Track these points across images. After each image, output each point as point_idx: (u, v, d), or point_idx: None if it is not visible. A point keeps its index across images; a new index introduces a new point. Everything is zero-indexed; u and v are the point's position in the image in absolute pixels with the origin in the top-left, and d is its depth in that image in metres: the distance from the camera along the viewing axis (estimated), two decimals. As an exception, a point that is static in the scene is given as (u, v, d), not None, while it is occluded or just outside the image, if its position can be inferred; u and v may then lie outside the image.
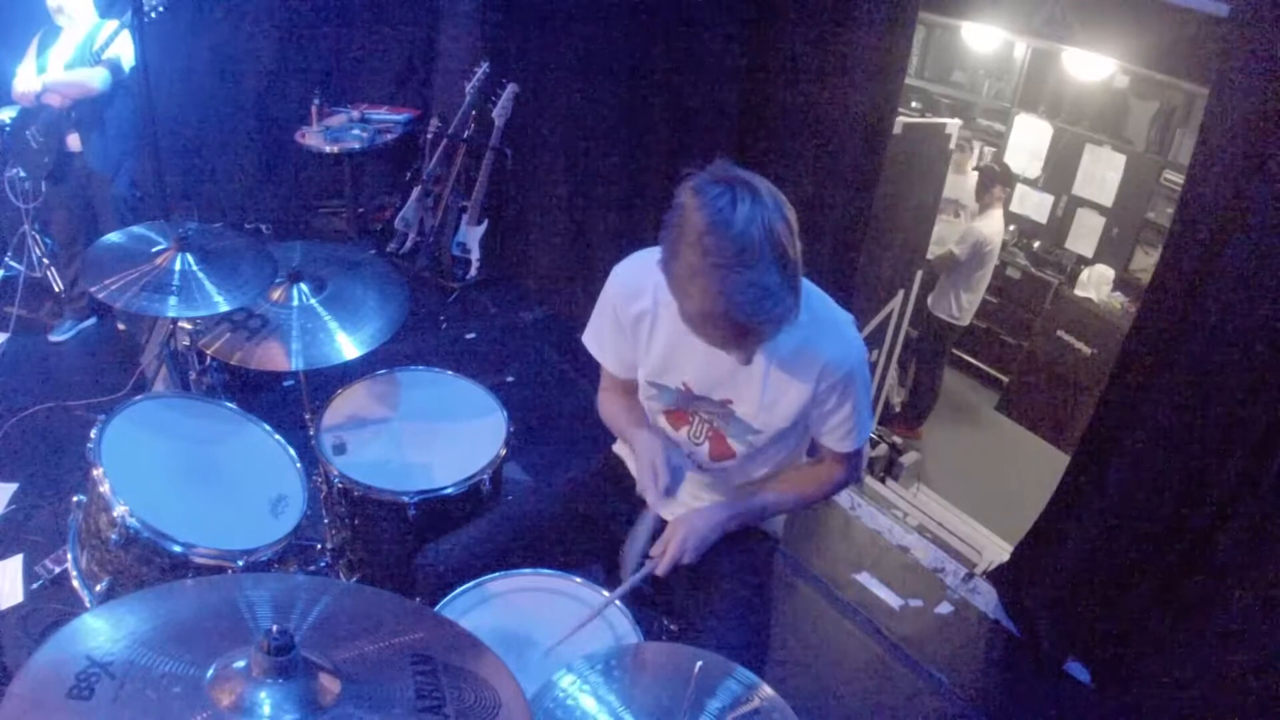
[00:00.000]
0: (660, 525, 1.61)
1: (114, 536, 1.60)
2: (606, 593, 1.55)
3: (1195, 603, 2.34)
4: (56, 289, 3.74)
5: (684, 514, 1.60)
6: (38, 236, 3.66)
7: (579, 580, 1.58)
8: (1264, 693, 2.20)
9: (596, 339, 1.66)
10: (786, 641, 2.66)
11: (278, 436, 1.97)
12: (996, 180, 4.48)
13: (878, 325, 4.01)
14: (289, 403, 2.93)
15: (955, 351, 5.39)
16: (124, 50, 3.17)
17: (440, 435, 2.11)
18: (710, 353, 1.49)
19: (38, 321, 3.69)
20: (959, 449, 4.89)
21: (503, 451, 2.05)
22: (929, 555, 3.13)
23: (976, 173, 4.69)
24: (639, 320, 1.55)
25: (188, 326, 2.41)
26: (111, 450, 1.68)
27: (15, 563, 2.44)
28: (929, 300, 4.69)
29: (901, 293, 4.07)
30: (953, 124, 4.03)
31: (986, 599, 2.92)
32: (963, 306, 4.64)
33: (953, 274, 4.55)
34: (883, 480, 4.01)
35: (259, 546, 1.69)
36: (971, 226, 4.55)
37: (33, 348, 3.57)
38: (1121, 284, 5.04)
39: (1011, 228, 5.56)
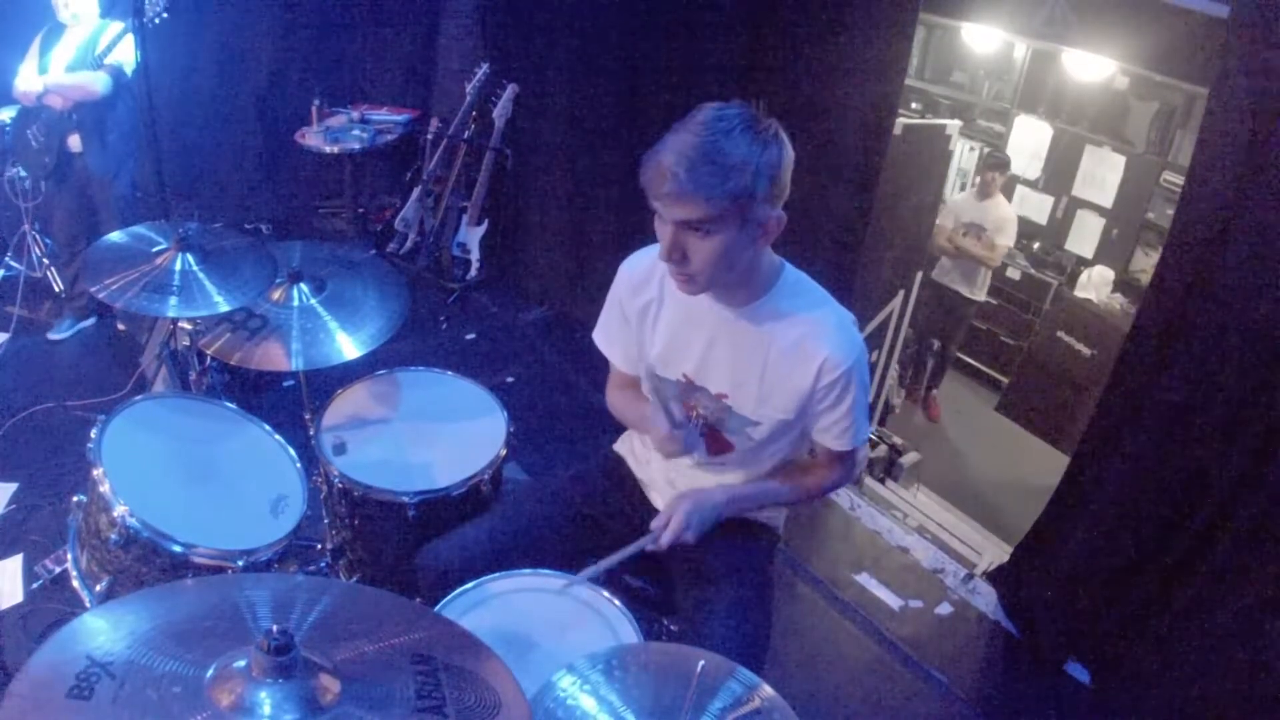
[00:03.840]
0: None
1: (114, 536, 1.60)
2: (606, 592, 1.55)
3: (1195, 602, 2.34)
4: (56, 289, 3.74)
5: (686, 490, 1.61)
6: (38, 236, 3.66)
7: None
8: (1264, 693, 2.20)
9: (605, 335, 1.68)
10: (786, 641, 2.66)
11: (278, 436, 1.97)
12: (992, 167, 4.63)
13: (878, 325, 4.01)
14: (289, 403, 2.93)
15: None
16: (126, 55, 3.17)
17: (440, 435, 2.11)
18: (710, 344, 1.52)
19: (38, 321, 3.69)
20: (959, 449, 4.89)
21: (503, 451, 2.05)
22: (929, 556, 3.13)
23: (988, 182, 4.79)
24: (645, 310, 1.57)
25: (188, 326, 2.41)
26: (111, 450, 1.68)
27: (15, 563, 2.44)
28: (947, 281, 4.81)
29: (902, 293, 4.07)
30: (953, 124, 4.04)
31: (986, 599, 2.92)
32: (984, 281, 4.84)
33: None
34: (883, 481, 4.01)
35: (259, 546, 1.69)
36: (1002, 215, 4.66)
37: (33, 348, 3.57)
38: (1121, 285, 5.04)
39: (1011, 228, 5.58)
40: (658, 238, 1.39)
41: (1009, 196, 5.52)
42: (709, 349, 1.52)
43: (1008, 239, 4.66)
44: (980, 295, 4.88)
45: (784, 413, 1.52)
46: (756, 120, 1.30)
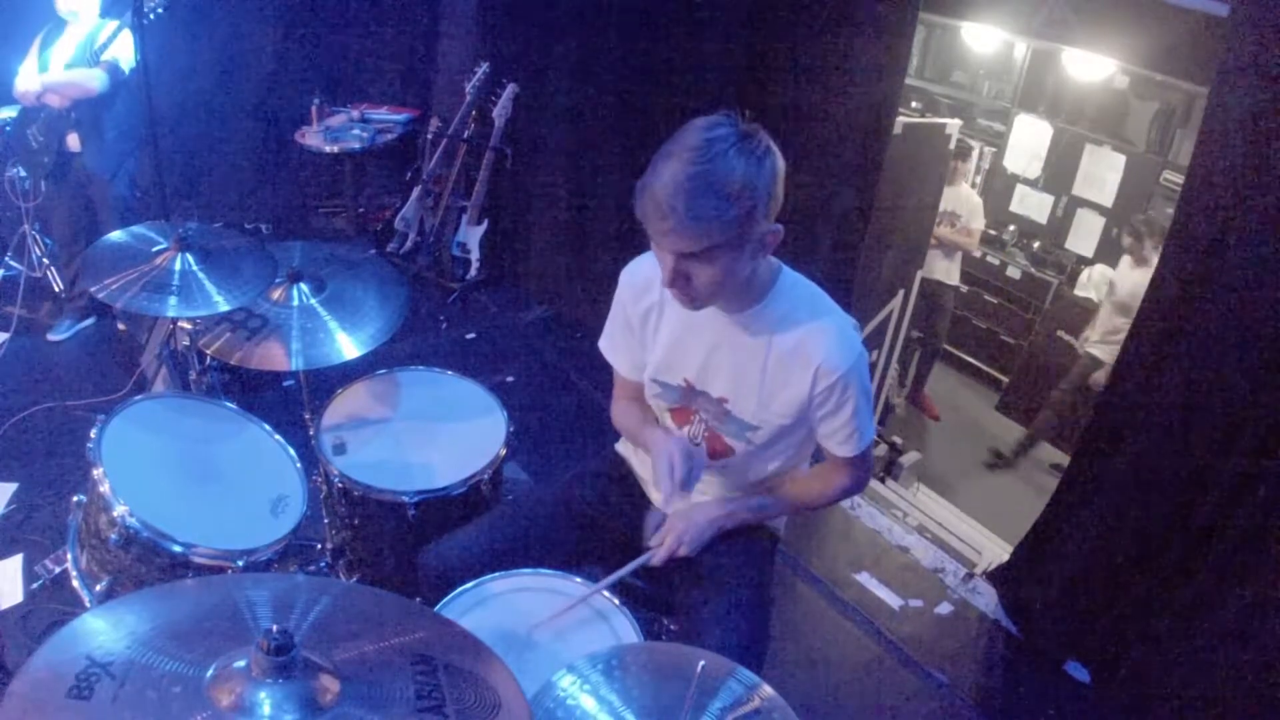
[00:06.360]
0: (660, 519, 1.64)
1: (114, 536, 1.60)
2: (606, 591, 1.55)
3: (1195, 602, 2.34)
4: (56, 289, 3.74)
5: (682, 508, 1.61)
6: (38, 236, 3.66)
7: (579, 580, 1.58)
8: (1264, 693, 2.20)
9: (610, 343, 1.69)
10: (786, 641, 2.66)
11: (278, 436, 1.97)
12: (956, 155, 4.66)
13: (878, 325, 4.01)
14: (289, 403, 2.93)
15: (950, 348, 5.41)
16: (124, 51, 3.17)
17: (440, 435, 2.11)
18: (711, 349, 1.52)
19: (38, 321, 3.68)
20: (959, 449, 4.89)
21: (503, 451, 2.05)
22: (929, 555, 3.13)
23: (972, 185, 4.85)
24: (646, 315, 1.58)
25: (188, 326, 2.41)
26: (111, 450, 1.68)
27: (15, 563, 2.44)
28: (924, 272, 4.80)
29: (901, 293, 4.07)
30: (953, 124, 4.04)
31: (986, 599, 2.92)
32: (958, 266, 4.91)
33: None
34: (883, 480, 4.01)
35: (259, 546, 1.69)
36: (972, 201, 4.74)
37: (33, 348, 3.57)
38: (1122, 284, 5.04)
39: (1012, 228, 5.57)
40: (658, 263, 1.38)
41: (1009, 195, 5.54)
42: (710, 354, 1.52)
43: (980, 222, 4.76)
44: (956, 280, 4.93)
45: (783, 418, 1.52)
46: (747, 137, 1.26)
